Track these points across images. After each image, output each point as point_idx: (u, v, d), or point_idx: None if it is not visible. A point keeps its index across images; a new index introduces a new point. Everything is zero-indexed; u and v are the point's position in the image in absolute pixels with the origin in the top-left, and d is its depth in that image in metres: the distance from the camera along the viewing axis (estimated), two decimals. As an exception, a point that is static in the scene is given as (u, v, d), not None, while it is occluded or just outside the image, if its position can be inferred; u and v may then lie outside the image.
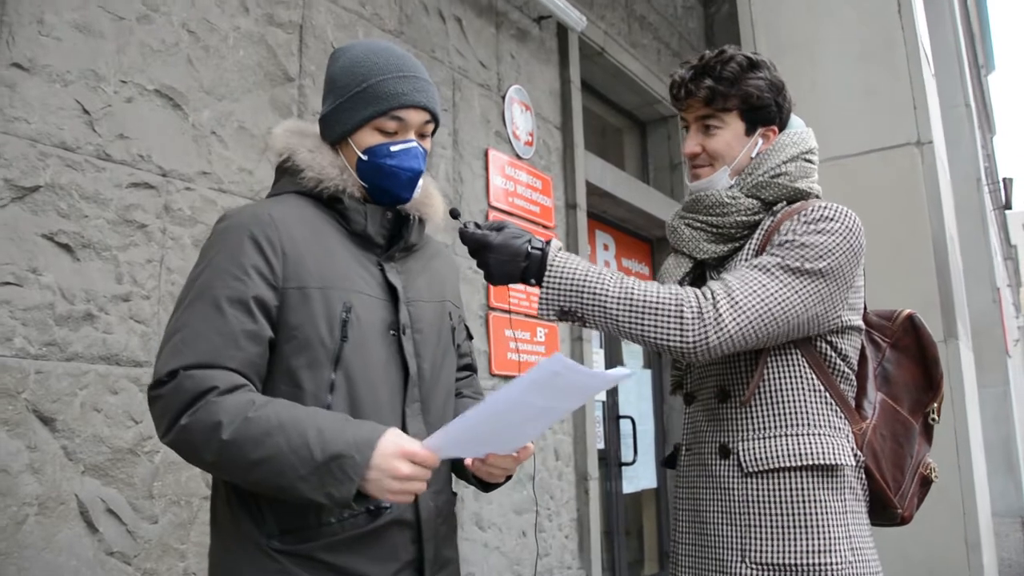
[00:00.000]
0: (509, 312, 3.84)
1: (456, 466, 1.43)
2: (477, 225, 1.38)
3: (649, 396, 5.59)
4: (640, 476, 5.26)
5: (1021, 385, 12.91)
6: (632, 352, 5.43)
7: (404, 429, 1.28)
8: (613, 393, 5.03)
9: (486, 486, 1.39)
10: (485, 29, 3.91)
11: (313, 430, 1.12)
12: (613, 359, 5.13)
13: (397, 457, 1.12)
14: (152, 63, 2.31)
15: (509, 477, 1.36)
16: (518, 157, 3.98)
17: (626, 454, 5.02)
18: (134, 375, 2.16)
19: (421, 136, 1.36)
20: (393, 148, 1.32)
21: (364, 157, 1.33)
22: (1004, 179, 12.99)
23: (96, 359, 2.09)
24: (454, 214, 1.42)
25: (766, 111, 1.54)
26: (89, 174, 2.12)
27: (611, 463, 4.93)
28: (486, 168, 3.75)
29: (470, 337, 1.60)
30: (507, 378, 3.58)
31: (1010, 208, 13.66)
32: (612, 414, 5.00)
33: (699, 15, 6.72)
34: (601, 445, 4.71)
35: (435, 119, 1.38)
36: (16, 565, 1.86)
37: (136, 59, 2.27)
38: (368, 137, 1.33)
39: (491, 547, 3.46)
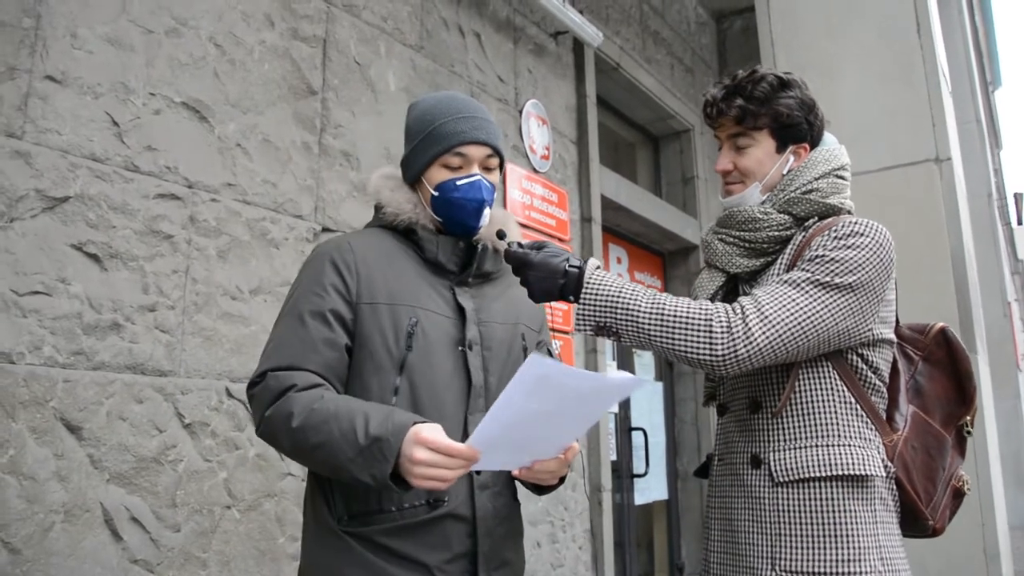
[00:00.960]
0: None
1: None
2: (520, 245, 1.46)
3: (660, 408, 5.59)
4: (651, 488, 5.26)
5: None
6: (644, 364, 5.44)
7: (465, 434, 1.38)
8: (625, 405, 5.04)
9: (540, 489, 1.47)
10: (503, 44, 3.94)
11: (361, 417, 1.25)
12: (625, 370, 5.13)
13: (414, 443, 1.20)
14: (180, 76, 2.35)
15: (563, 479, 1.44)
16: (535, 171, 4.01)
17: (638, 466, 5.02)
18: (159, 384, 2.18)
19: (487, 170, 1.50)
20: (459, 182, 1.47)
21: (436, 193, 1.48)
22: (1016, 194, 12.97)
23: (122, 368, 2.11)
24: (500, 235, 1.52)
25: (796, 129, 1.56)
26: (117, 185, 2.15)
27: (623, 475, 4.93)
28: (503, 181, 3.76)
29: None
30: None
31: (1021, 223, 13.64)
32: (624, 426, 5.00)
33: (712, 31, 6.76)
34: (613, 457, 4.71)
35: (498, 154, 1.51)
36: (43, 572, 1.88)
37: (164, 72, 2.31)
38: (437, 174, 1.48)
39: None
